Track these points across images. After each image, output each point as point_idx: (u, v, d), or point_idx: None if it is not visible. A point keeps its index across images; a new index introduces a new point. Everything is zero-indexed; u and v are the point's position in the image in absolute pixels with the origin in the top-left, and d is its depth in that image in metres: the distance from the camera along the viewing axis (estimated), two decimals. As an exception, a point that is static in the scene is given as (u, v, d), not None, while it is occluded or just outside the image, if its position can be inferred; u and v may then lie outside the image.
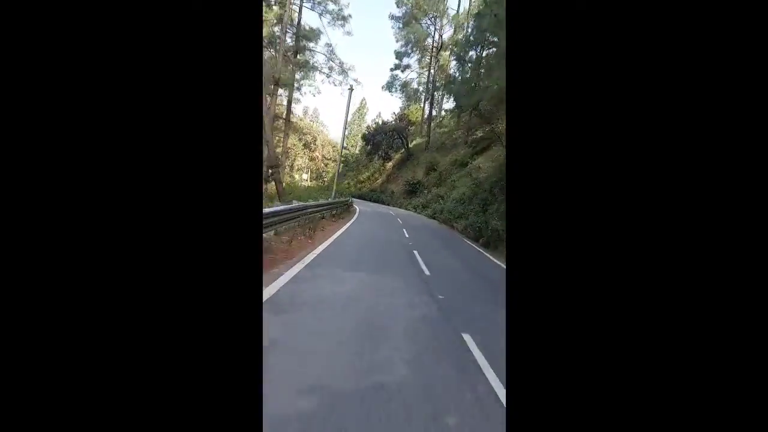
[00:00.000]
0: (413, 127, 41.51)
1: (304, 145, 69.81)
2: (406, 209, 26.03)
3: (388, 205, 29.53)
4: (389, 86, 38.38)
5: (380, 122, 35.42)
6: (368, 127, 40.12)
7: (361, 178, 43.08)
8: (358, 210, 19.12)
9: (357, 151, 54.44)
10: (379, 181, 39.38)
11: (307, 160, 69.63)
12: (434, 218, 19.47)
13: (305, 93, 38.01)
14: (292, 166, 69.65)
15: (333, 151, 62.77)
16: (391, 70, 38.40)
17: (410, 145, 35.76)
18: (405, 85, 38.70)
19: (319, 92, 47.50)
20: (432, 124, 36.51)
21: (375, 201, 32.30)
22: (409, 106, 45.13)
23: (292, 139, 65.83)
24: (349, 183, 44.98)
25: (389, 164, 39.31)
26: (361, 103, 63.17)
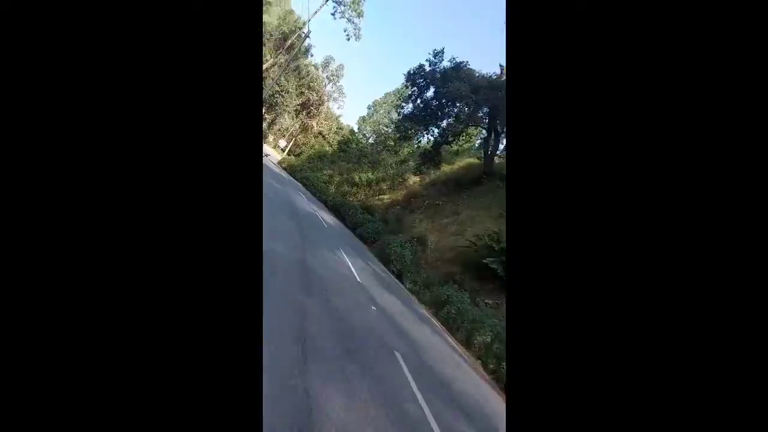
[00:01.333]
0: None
1: (303, 104, 49.15)
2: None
3: (401, 282, 8.82)
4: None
5: (465, 62, 14.36)
6: (436, 58, 15.68)
7: (358, 179, 22.29)
8: None
9: (371, 140, 34.26)
10: (387, 198, 18.94)
11: (297, 126, 48.74)
12: None
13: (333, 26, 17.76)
14: (272, 123, 48.61)
15: (335, 137, 42.24)
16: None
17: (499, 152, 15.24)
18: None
19: (358, 33, 21.03)
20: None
21: (367, 240, 11.74)
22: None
23: (291, 82, 45.03)
24: (332, 177, 24.05)
25: (416, 179, 19.02)
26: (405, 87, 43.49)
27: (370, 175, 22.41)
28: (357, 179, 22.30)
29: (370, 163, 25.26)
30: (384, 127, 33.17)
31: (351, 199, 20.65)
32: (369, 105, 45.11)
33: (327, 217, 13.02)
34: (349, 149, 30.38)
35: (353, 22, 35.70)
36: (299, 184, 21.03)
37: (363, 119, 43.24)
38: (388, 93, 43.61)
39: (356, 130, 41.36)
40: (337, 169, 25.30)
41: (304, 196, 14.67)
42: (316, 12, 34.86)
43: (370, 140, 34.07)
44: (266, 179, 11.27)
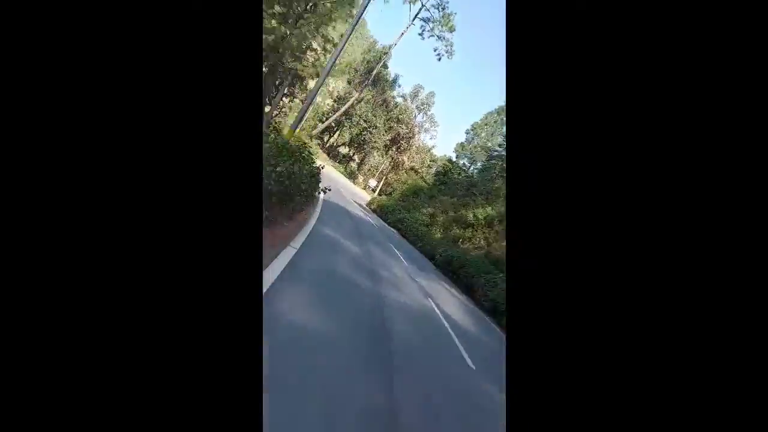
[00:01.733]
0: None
1: (392, 139, 45.82)
2: None
3: None
4: None
5: None
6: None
7: (473, 217, 16.00)
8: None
9: (478, 166, 28.04)
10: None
11: (387, 162, 45.35)
12: None
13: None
14: (362, 163, 46.13)
15: (428, 170, 37.18)
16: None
17: None
18: None
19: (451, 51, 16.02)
20: None
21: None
22: None
23: (378, 117, 41.97)
24: (434, 216, 18.25)
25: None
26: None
27: (489, 210, 15.92)
28: (471, 217, 16.03)
29: (483, 194, 18.89)
30: (497, 148, 26.75)
31: (467, 245, 14.40)
32: (467, 129, 39.27)
33: (459, 315, 6.97)
34: (449, 180, 24.53)
35: (444, 39, 31.17)
36: (393, 230, 15.72)
37: (462, 145, 37.46)
38: (489, 113, 37.40)
39: (454, 158, 35.65)
40: (438, 205, 19.51)
41: (403, 259, 9.00)
42: (402, 34, 31.58)
43: (477, 165, 27.85)
44: (336, 238, 5.92)
